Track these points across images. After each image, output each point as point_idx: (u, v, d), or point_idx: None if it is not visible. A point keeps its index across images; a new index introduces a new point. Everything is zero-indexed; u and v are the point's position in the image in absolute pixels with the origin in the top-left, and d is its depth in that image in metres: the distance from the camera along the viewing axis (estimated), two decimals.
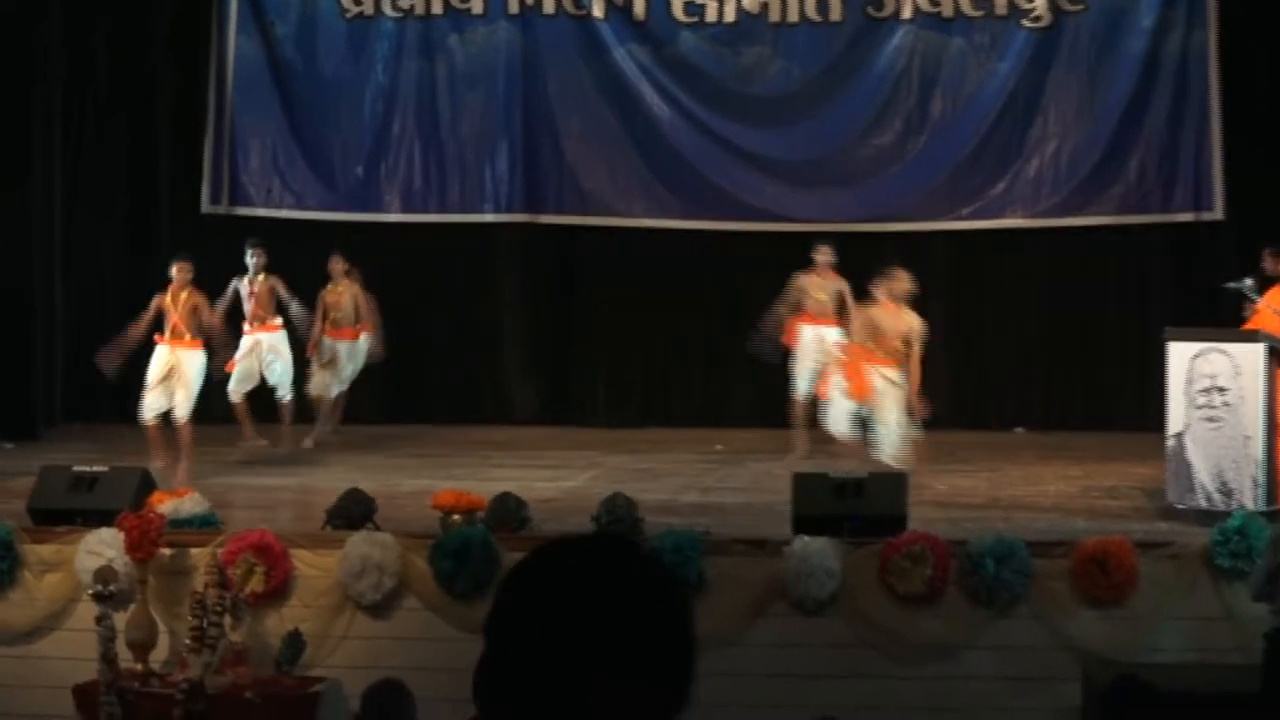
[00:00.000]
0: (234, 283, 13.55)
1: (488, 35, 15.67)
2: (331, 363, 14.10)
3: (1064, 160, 15.16)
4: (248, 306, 13.54)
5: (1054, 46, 15.13)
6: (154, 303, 12.57)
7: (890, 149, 15.41)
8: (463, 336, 15.86)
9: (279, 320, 13.61)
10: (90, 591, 8.58)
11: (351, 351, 14.23)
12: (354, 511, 9.20)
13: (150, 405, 12.38)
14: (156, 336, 12.55)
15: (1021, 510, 10.57)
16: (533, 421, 15.52)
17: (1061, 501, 10.99)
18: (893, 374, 11.48)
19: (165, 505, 9.11)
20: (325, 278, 14.25)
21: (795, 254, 13.84)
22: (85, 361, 13.58)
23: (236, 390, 13.49)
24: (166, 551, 8.86)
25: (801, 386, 13.25)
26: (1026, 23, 15.14)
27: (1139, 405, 14.08)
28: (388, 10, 15.76)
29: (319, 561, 8.92)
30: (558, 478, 11.98)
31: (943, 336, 15.56)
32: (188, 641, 8.51)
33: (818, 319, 13.27)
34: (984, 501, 11.01)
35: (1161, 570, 8.72)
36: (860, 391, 11.47)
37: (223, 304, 13.21)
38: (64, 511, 9.18)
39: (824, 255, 13.48)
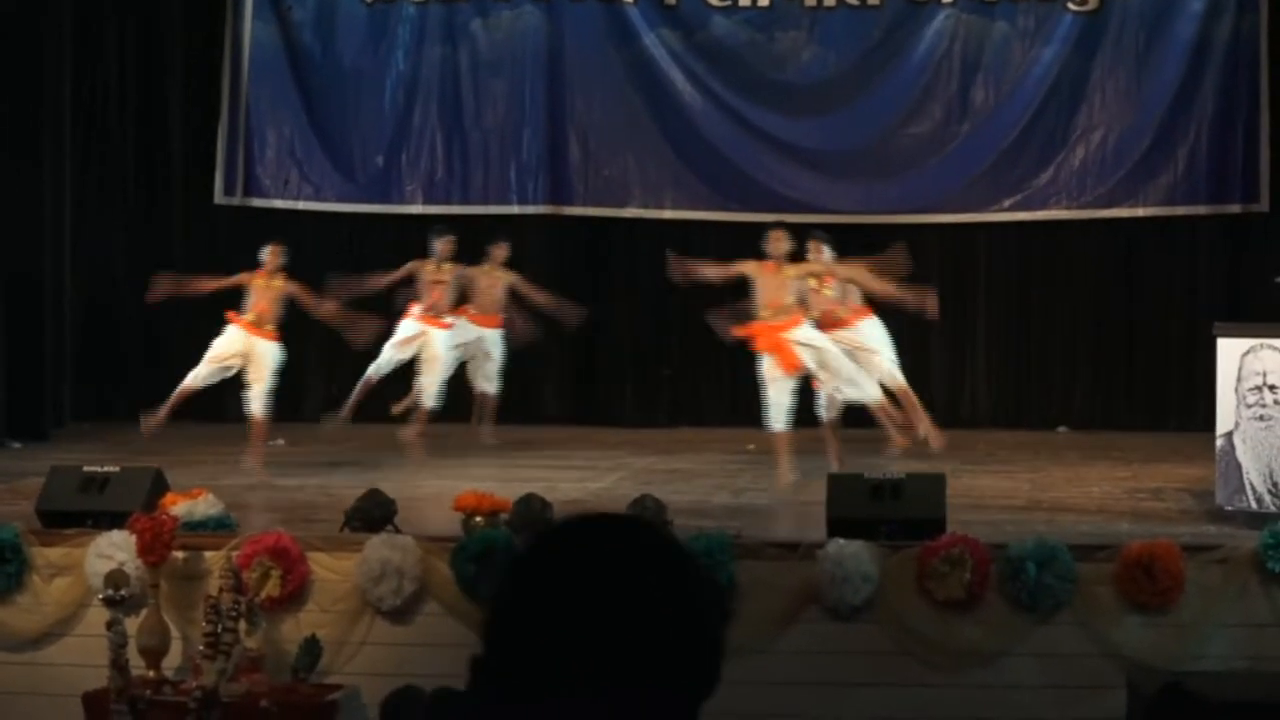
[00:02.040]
0: (411, 265, 13.30)
1: (513, 20, 15.45)
2: (420, 348, 13.53)
3: (1110, 150, 14.88)
4: (426, 295, 13.21)
5: (1101, 31, 14.84)
6: (239, 278, 12.15)
7: (930, 138, 15.17)
8: None
9: (500, 317, 13.42)
10: (101, 596, 8.38)
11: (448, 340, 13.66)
12: (373, 513, 8.99)
13: (200, 375, 12.07)
14: (230, 314, 12.18)
15: (1064, 512, 10.28)
16: (558, 421, 15.34)
17: (1106, 504, 10.69)
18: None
19: (178, 507, 8.93)
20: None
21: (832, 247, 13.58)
22: (94, 359, 13.36)
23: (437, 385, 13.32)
24: (180, 555, 8.64)
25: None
26: (1073, 6, 14.84)
27: (1187, 404, 13.87)
28: None
29: (337, 565, 8.70)
30: (584, 479, 11.74)
31: (983, 332, 15.39)
32: (201, 648, 8.29)
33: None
34: (1025, 503, 10.73)
35: (1209, 575, 8.44)
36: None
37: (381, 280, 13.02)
38: (74, 513, 8.95)
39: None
